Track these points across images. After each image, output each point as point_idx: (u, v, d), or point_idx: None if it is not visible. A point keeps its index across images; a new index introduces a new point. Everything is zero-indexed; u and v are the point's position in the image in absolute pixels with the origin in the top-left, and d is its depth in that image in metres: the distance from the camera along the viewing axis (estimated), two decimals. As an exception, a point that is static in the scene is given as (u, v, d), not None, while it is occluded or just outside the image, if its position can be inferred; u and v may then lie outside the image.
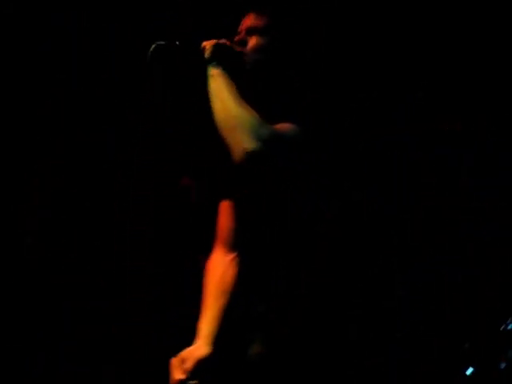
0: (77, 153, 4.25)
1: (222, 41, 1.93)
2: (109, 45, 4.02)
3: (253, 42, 1.95)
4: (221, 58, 1.90)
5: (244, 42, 1.97)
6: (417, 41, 3.84)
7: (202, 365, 1.94)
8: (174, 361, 2.01)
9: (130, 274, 4.13)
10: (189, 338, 3.94)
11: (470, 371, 2.79)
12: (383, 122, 4.00)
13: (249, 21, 1.99)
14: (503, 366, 2.80)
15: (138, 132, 4.37)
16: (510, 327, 3.00)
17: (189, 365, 1.99)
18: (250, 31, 1.97)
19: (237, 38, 1.98)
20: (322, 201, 1.92)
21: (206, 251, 2.25)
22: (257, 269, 1.98)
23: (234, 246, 2.08)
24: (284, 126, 1.80)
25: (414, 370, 3.71)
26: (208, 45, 1.92)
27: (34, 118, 4.20)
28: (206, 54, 1.90)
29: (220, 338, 1.99)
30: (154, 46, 1.97)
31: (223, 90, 1.83)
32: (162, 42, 1.97)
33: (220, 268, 2.10)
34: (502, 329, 2.77)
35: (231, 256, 2.08)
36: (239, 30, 2.02)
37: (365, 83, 3.91)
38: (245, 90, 1.90)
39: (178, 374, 1.97)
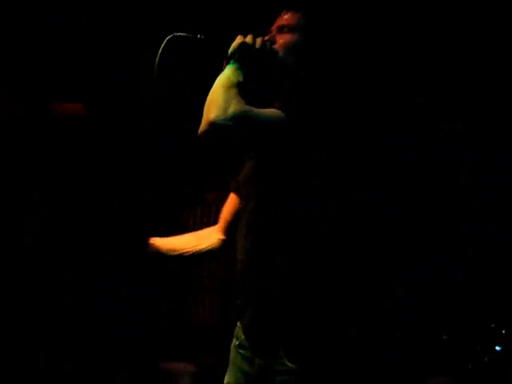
0: (77, 153, 4.26)
1: (248, 39, 2.02)
2: (109, 45, 4.02)
3: (283, 39, 2.05)
4: (241, 55, 2.00)
5: (273, 41, 2.05)
6: (416, 42, 3.84)
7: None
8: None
9: (130, 274, 4.14)
10: (188, 339, 3.93)
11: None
12: (383, 122, 4.00)
13: (280, 20, 2.08)
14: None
15: (138, 132, 4.37)
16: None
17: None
18: (281, 29, 2.07)
19: (267, 37, 2.06)
20: (315, 202, 1.96)
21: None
22: (250, 270, 2.01)
23: (227, 231, 2.28)
24: (263, 110, 1.95)
25: (413, 370, 3.71)
26: (235, 42, 2.01)
27: (34, 117, 4.20)
28: (230, 50, 2.01)
29: None
30: (171, 36, 2.04)
31: (222, 78, 1.98)
32: (182, 34, 2.05)
33: (207, 234, 2.31)
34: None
35: (220, 236, 2.29)
36: (271, 29, 2.10)
37: (365, 87, 3.92)
38: (255, 84, 2.03)
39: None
